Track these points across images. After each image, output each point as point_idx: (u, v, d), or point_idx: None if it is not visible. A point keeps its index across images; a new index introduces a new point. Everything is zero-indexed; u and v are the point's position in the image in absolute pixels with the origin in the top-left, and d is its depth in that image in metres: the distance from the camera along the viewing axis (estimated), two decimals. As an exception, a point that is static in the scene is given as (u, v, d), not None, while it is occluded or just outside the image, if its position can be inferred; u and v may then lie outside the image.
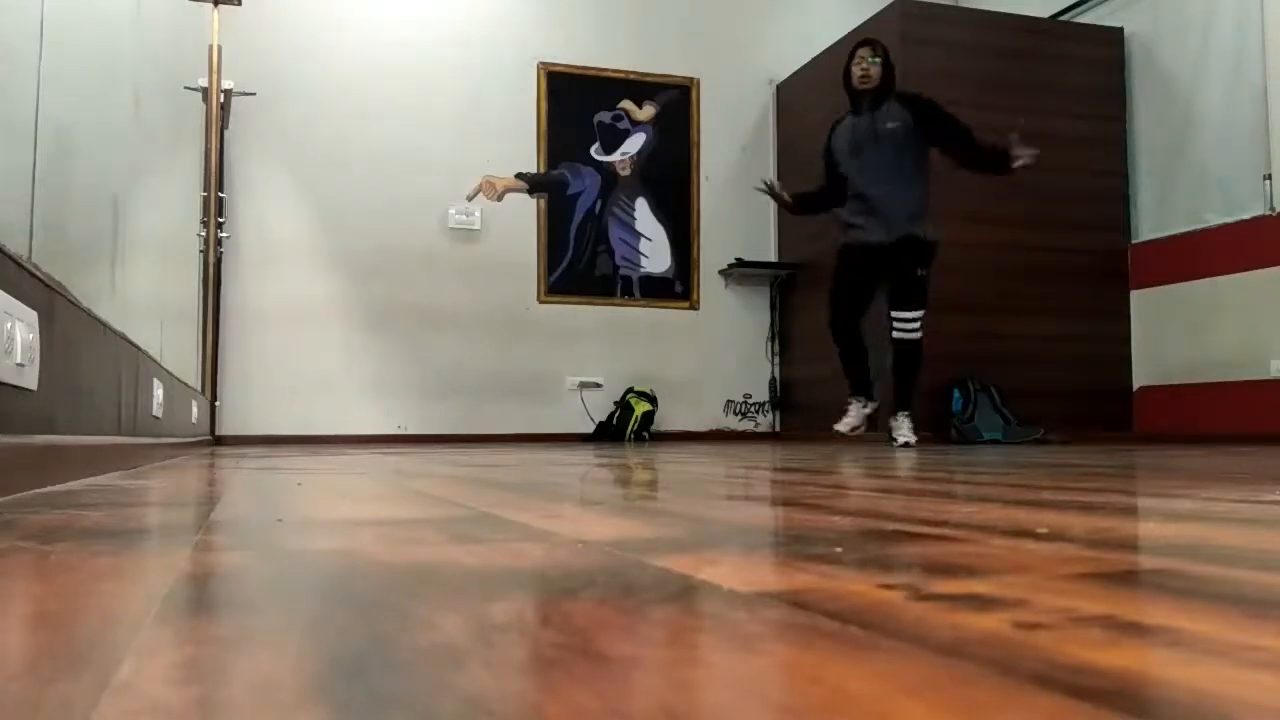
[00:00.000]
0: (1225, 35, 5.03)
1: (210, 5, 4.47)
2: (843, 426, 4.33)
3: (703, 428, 6.45)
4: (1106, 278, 5.53)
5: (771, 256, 6.63)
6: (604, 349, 6.32)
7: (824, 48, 6.14)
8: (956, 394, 5.17)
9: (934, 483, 1.59)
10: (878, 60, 4.22)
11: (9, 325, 1.09)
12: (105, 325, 1.72)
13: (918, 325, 4.16)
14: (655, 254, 6.51)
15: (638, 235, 6.48)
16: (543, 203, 6.31)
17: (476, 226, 6.15)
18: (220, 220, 4.79)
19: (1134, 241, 5.55)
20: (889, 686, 0.34)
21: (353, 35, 5.99)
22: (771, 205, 6.68)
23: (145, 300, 2.66)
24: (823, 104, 6.14)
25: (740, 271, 6.49)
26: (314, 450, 3.97)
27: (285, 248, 5.81)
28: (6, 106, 1.31)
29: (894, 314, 4.19)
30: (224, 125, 4.96)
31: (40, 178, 1.38)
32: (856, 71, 4.24)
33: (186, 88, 4.17)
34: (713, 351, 6.49)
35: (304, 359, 5.78)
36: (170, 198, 3.59)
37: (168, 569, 0.63)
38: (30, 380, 1.19)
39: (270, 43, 5.72)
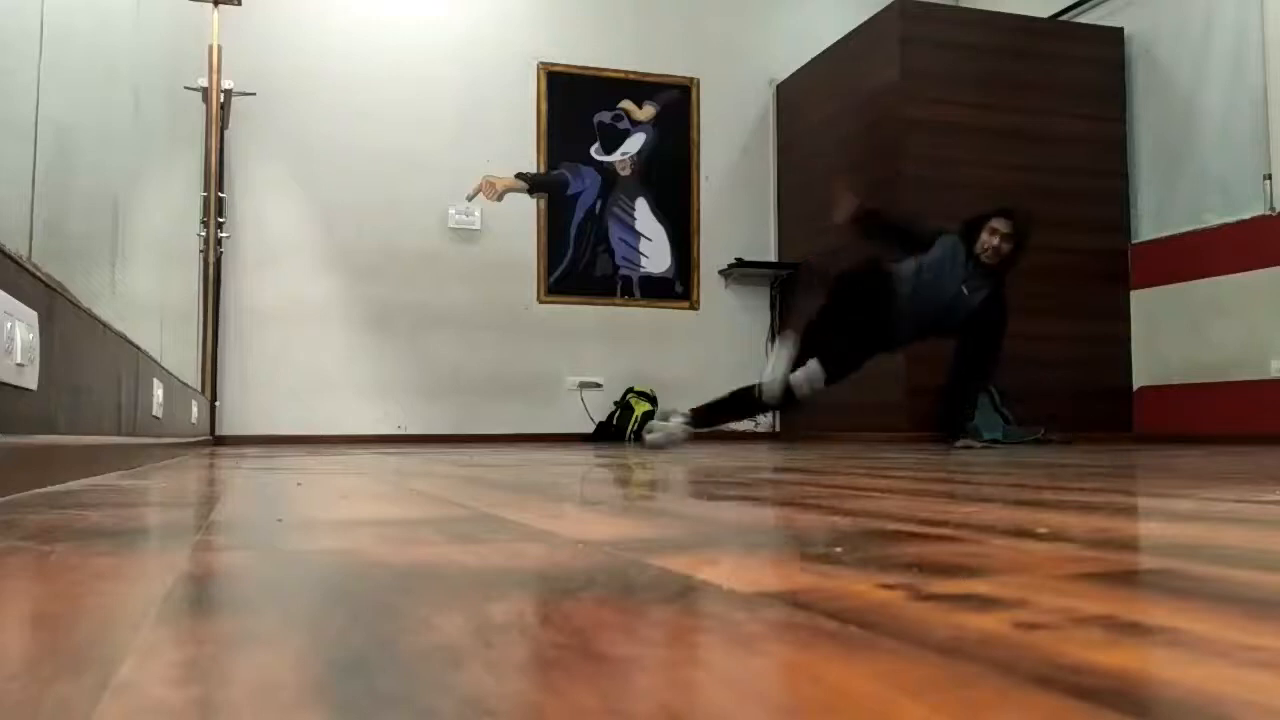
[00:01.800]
0: (1225, 35, 5.03)
1: (210, 5, 4.47)
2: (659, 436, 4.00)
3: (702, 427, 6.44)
4: (1106, 278, 5.52)
5: (771, 256, 6.63)
6: (604, 349, 6.31)
7: (824, 48, 6.14)
8: (956, 394, 5.16)
9: (934, 483, 1.59)
10: (1014, 244, 4.01)
11: (9, 325, 1.09)
12: (105, 325, 1.72)
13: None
14: (655, 254, 6.51)
15: (638, 235, 6.48)
16: (543, 203, 6.31)
17: (476, 226, 6.15)
18: (220, 220, 4.79)
19: (1134, 241, 5.55)
20: (889, 686, 0.34)
21: (353, 35, 5.99)
22: (772, 205, 6.70)
23: (145, 300, 2.66)
24: (823, 104, 6.16)
25: (740, 271, 6.48)
26: (314, 450, 3.97)
27: (285, 248, 5.81)
28: (7, 107, 1.31)
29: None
30: (224, 125, 4.96)
31: (40, 178, 1.38)
32: (991, 242, 4.00)
33: (186, 88, 4.17)
34: (713, 351, 6.48)
35: (304, 359, 5.78)
36: (170, 198, 3.59)
37: (168, 569, 0.63)
38: (30, 380, 1.19)
39: (270, 43, 5.72)
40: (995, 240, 4.02)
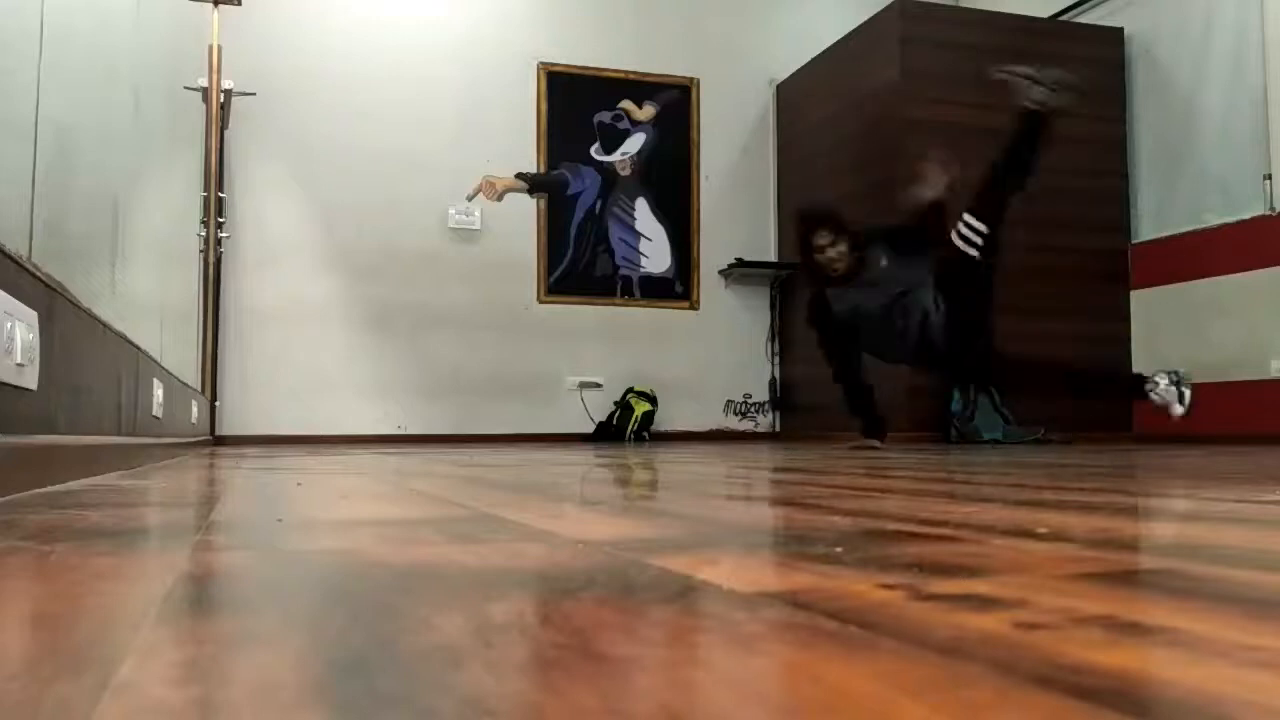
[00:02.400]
0: (1225, 36, 5.03)
1: (210, 5, 4.47)
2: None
3: (703, 428, 6.45)
4: (1106, 278, 5.52)
5: (771, 256, 6.63)
6: (604, 349, 6.31)
7: (824, 48, 6.14)
8: (956, 394, 5.17)
9: (934, 483, 1.59)
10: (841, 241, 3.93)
11: (9, 325, 1.09)
12: (105, 325, 1.72)
13: None
14: (655, 254, 6.50)
15: (638, 235, 6.48)
16: (543, 203, 6.31)
17: (476, 226, 6.15)
18: (220, 220, 4.79)
19: (1134, 241, 5.55)
20: (889, 686, 0.34)
21: (353, 35, 5.99)
22: (772, 205, 6.70)
23: (145, 300, 2.66)
24: (823, 104, 6.15)
25: (740, 271, 6.48)
26: (314, 450, 3.97)
27: (285, 248, 5.81)
28: (7, 107, 1.31)
29: None
30: (224, 125, 4.96)
31: (40, 178, 1.38)
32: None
33: (186, 88, 4.17)
34: (713, 351, 6.48)
35: (304, 359, 5.78)
36: (170, 198, 3.59)
37: (168, 569, 0.63)
38: (30, 380, 1.19)
39: (270, 43, 5.72)
40: (826, 255, 3.93)
